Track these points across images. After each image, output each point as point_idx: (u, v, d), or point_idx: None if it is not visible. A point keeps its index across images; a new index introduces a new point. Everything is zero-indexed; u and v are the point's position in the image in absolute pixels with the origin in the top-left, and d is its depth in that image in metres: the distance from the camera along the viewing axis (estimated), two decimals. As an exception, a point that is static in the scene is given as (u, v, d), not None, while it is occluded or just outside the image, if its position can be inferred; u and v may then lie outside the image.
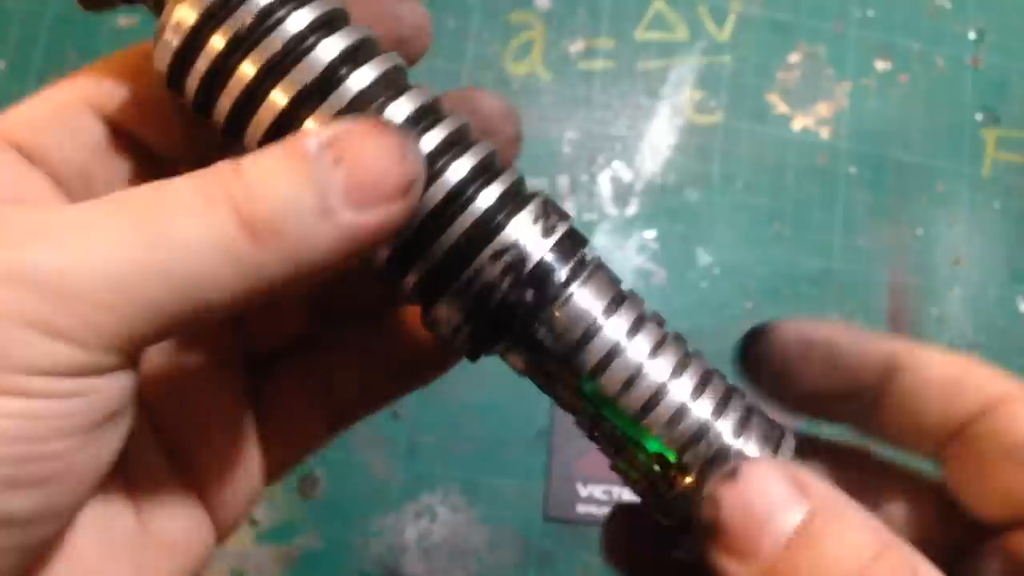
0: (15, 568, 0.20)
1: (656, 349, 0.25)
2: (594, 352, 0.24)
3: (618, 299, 0.25)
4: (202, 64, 0.22)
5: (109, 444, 0.21)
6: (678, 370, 0.25)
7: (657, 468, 0.24)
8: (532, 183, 0.62)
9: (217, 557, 0.60)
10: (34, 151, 0.23)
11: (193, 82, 0.23)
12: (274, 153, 0.20)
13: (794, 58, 0.74)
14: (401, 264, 0.23)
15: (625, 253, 0.69)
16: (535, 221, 0.24)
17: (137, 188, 0.20)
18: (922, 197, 0.72)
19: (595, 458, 0.63)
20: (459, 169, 0.23)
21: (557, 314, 0.23)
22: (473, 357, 0.25)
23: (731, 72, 0.73)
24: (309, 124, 0.22)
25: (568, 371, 0.24)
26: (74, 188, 0.24)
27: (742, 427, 0.24)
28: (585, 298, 0.24)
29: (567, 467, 0.63)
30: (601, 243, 0.69)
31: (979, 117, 0.74)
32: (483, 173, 0.24)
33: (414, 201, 0.21)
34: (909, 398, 0.25)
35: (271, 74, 0.22)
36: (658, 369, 0.24)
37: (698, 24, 0.74)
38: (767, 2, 0.75)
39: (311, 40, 0.22)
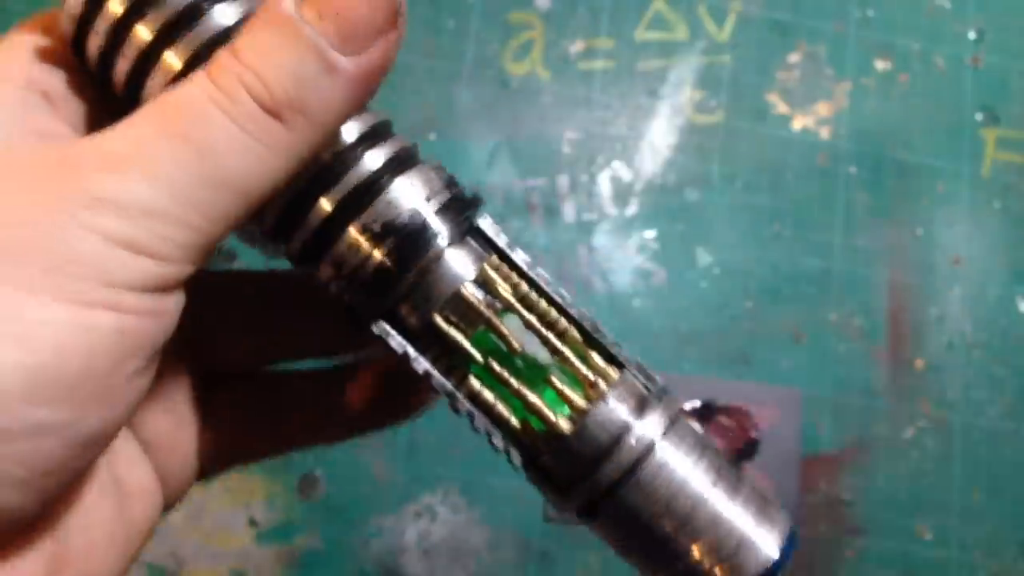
0: (58, 488, 0.21)
1: (540, 298, 0.26)
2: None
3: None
4: (101, 26, 0.23)
5: (149, 378, 0.22)
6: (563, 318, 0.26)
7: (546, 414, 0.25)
8: (531, 183, 0.62)
9: (217, 557, 0.60)
10: (53, 97, 0.24)
11: (94, 46, 0.23)
12: (260, 26, 0.21)
13: (794, 58, 0.74)
14: (286, 226, 0.24)
15: (625, 253, 0.69)
16: (419, 185, 0.24)
17: (159, 106, 0.21)
18: (922, 197, 0.72)
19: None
20: (349, 132, 0.24)
21: (435, 271, 0.24)
22: (364, 321, 0.25)
23: (731, 72, 0.73)
24: None
25: (458, 325, 0.25)
26: (79, 132, 0.25)
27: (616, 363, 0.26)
28: (459, 259, 0.25)
29: (567, 467, 0.63)
30: (601, 243, 0.69)
31: (979, 117, 0.74)
32: (372, 137, 0.24)
33: (404, 24, 0.22)
34: None
35: (168, 36, 0.23)
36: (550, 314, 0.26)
37: (698, 24, 0.74)
38: (767, 2, 0.75)
39: (206, 5, 0.23)
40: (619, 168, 0.71)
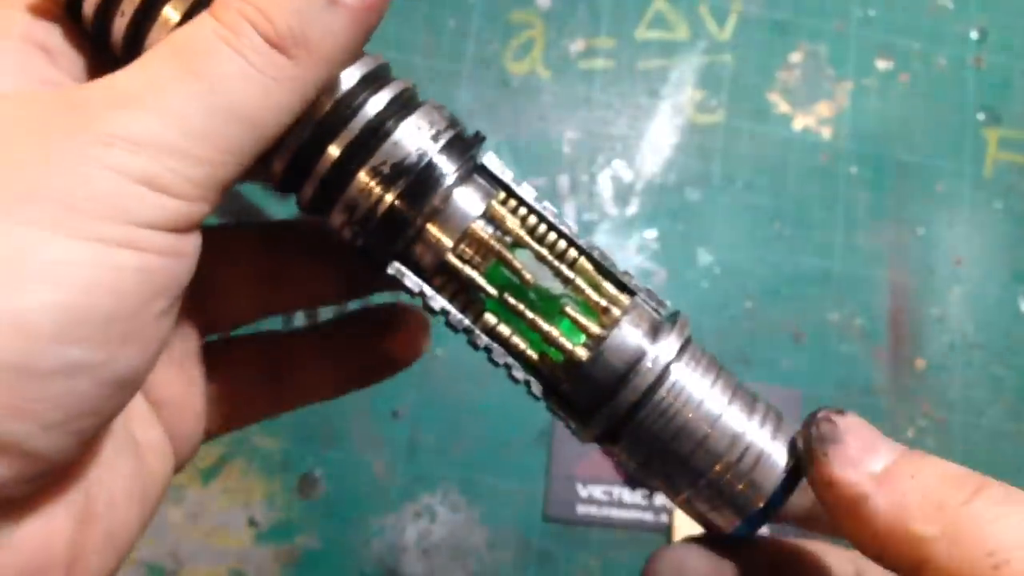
0: (93, 431, 0.21)
1: (548, 231, 0.26)
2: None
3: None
4: None
5: (172, 320, 0.22)
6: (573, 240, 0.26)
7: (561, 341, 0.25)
8: (532, 182, 0.62)
9: (217, 557, 0.60)
10: (51, 50, 0.24)
11: (89, 5, 0.23)
12: None
13: (795, 57, 0.74)
14: (297, 175, 0.24)
15: (625, 253, 0.69)
16: (424, 125, 0.24)
17: (167, 45, 0.21)
18: (923, 197, 0.72)
19: (595, 459, 0.63)
20: (350, 78, 0.24)
21: (445, 210, 0.25)
22: (379, 263, 0.25)
23: (732, 71, 0.73)
24: None
25: (471, 261, 0.25)
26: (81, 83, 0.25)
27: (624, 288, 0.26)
28: (467, 196, 0.25)
29: (567, 468, 0.63)
30: (602, 242, 0.69)
31: (980, 117, 0.74)
32: (374, 81, 0.24)
33: None
34: None
35: None
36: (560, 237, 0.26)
37: (699, 23, 0.74)
38: (768, 2, 0.75)
39: None
40: (620, 168, 0.71)
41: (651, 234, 0.69)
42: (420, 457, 0.63)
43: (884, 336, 0.69)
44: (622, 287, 0.26)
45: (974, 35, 0.75)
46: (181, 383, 0.28)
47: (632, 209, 0.70)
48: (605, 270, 0.26)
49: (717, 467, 0.24)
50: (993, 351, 0.70)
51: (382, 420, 0.63)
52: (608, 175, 0.70)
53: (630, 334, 0.25)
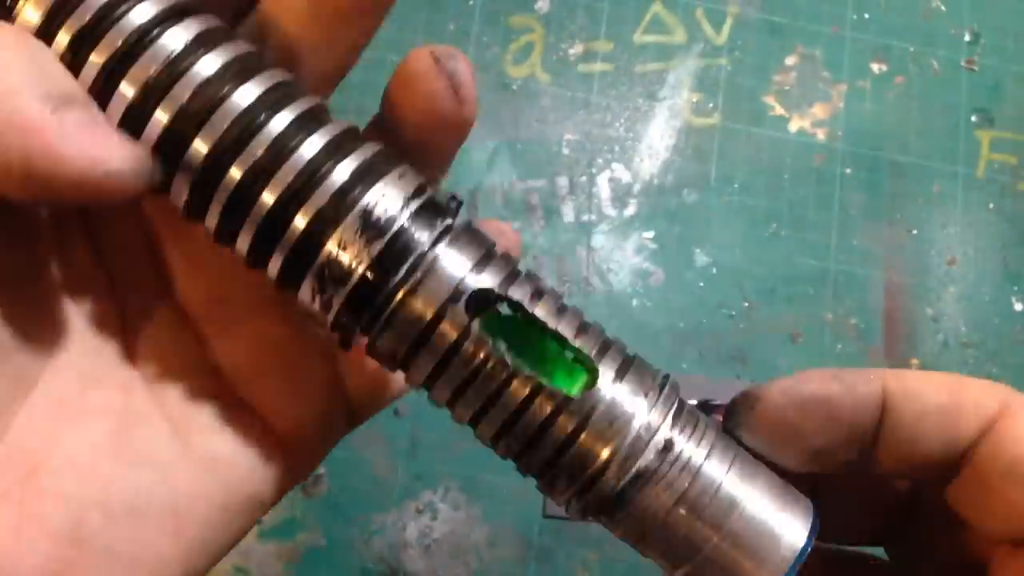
0: None
1: (533, 300, 0.22)
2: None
3: (484, 260, 0.22)
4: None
5: None
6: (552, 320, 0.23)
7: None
8: (531, 184, 0.63)
9: (221, 554, 0.61)
10: None
11: None
12: None
13: (790, 60, 0.75)
14: (261, 248, 0.22)
15: (624, 254, 0.69)
16: (395, 193, 0.22)
17: None
18: (917, 198, 0.73)
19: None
20: (313, 145, 0.21)
21: (422, 279, 0.21)
22: (346, 341, 0.23)
23: (728, 74, 0.74)
24: (158, 114, 0.21)
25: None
26: None
27: (621, 376, 0.23)
28: (452, 260, 0.22)
29: (566, 465, 0.64)
30: (600, 243, 0.69)
31: (974, 119, 0.75)
32: (338, 149, 0.22)
33: (137, 159, 0.20)
34: (907, 431, 0.23)
35: (120, 65, 0.21)
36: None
37: (696, 27, 0.75)
38: (764, 5, 0.75)
39: (155, 32, 0.21)
40: (618, 169, 0.71)
41: (649, 235, 0.70)
42: (421, 455, 0.64)
43: (879, 335, 0.70)
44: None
45: (967, 38, 0.76)
46: (293, 373, 0.26)
47: (630, 210, 0.70)
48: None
49: (717, 541, 0.22)
50: (987, 350, 0.70)
51: (384, 418, 0.64)
52: (606, 177, 0.71)
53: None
